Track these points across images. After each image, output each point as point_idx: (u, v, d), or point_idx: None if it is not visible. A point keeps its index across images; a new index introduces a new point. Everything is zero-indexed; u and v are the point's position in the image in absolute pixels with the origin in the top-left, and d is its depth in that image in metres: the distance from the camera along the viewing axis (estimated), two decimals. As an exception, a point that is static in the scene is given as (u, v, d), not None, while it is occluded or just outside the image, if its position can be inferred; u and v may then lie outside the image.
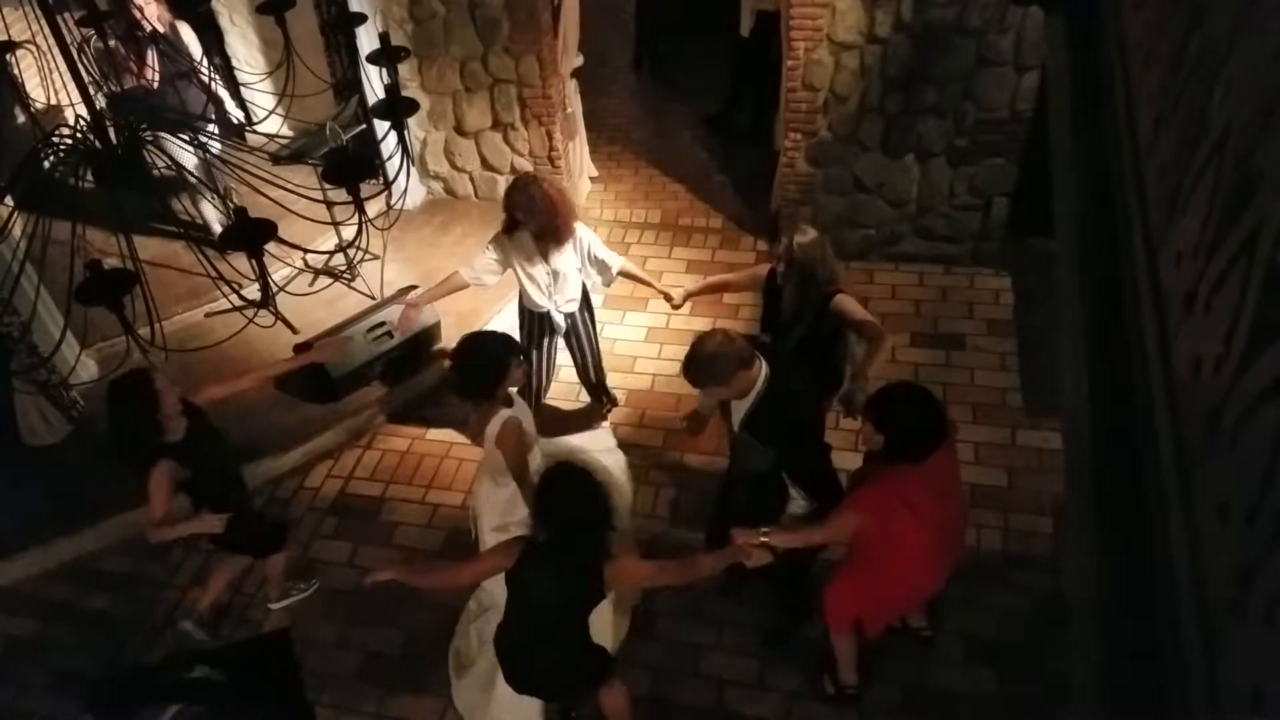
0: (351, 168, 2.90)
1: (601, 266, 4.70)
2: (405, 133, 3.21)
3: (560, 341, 4.99)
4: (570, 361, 5.20)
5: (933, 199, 5.99)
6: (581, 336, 5.02)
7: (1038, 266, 5.84)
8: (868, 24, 5.40)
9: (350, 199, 2.88)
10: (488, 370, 3.69)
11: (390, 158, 5.08)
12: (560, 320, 4.82)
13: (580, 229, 4.60)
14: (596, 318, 5.17)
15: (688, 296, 4.66)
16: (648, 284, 4.78)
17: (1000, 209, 5.94)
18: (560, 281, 4.63)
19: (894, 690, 4.05)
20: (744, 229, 6.71)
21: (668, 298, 4.64)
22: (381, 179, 5.71)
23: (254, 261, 2.62)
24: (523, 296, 4.76)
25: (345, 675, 4.27)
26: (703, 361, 3.44)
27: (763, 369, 3.49)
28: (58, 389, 5.15)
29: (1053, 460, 4.91)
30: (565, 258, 4.58)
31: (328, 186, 3.40)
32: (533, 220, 4.40)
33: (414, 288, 5.51)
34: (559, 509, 3.09)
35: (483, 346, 3.78)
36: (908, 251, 6.27)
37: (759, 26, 6.56)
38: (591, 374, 5.22)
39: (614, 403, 5.47)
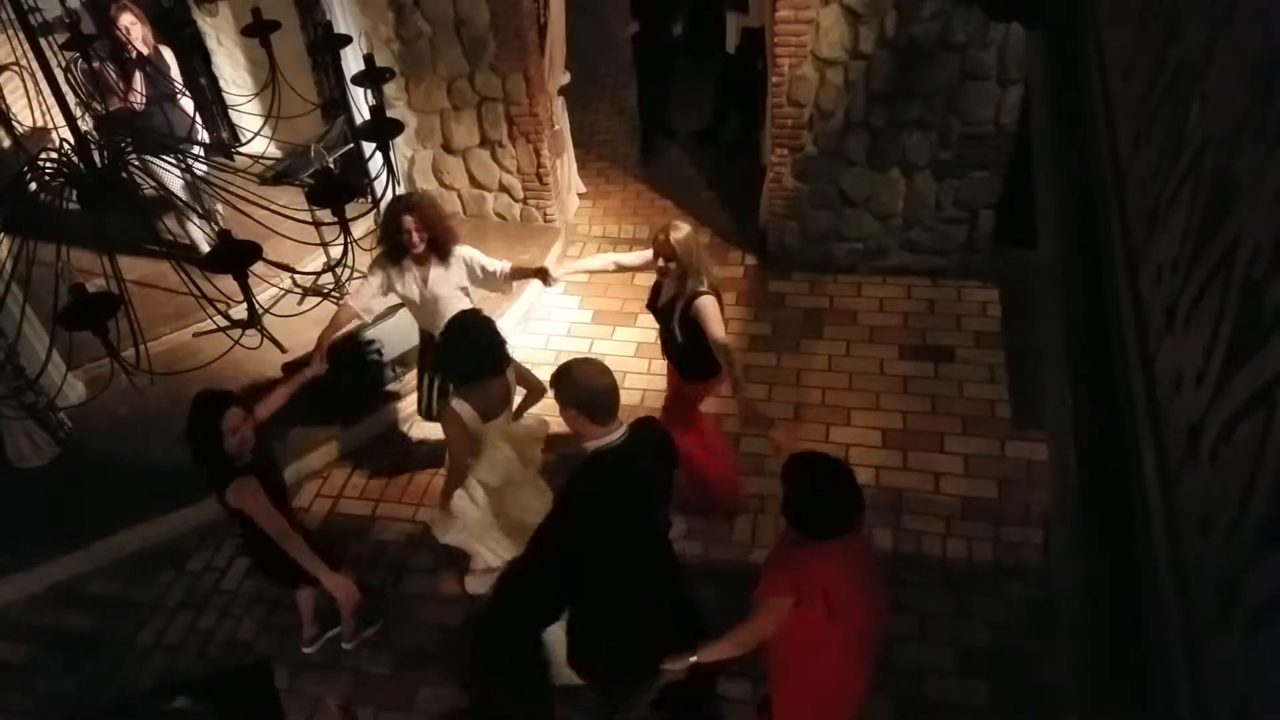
0: (337, 189, 2.91)
1: (491, 278, 4.53)
2: (391, 153, 3.21)
3: None
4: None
5: (919, 212, 6.02)
6: None
7: (1024, 278, 5.88)
8: (851, 40, 5.43)
9: (336, 220, 2.89)
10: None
11: (377, 177, 5.08)
12: None
13: (461, 249, 4.45)
14: (585, 333, 5.16)
15: (566, 274, 4.80)
16: (529, 273, 4.62)
17: (986, 221, 5.97)
18: (441, 305, 4.39)
19: (887, 701, 4.04)
20: (732, 243, 6.73)
21: (541, 276, 4.48)
22: (369, 198, 5.72)
23: (239, 283, 2.62)
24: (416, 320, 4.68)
25: (337, 697, 4.28)
26: (560, 375, 3.07)
27: (610, 440, 3.01)
28: (45, 411, 5.10)
29: (1042, 472, 4.92)
30: (445, 279, 4.42)
31: (314, 207, 3.40)
32: (412, 242, 4.26)
33: (401, 306, 5.50)
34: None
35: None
36: (895, 264, 6.29)
37: (745, 43, 6.60)
38: None
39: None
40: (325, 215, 3.48)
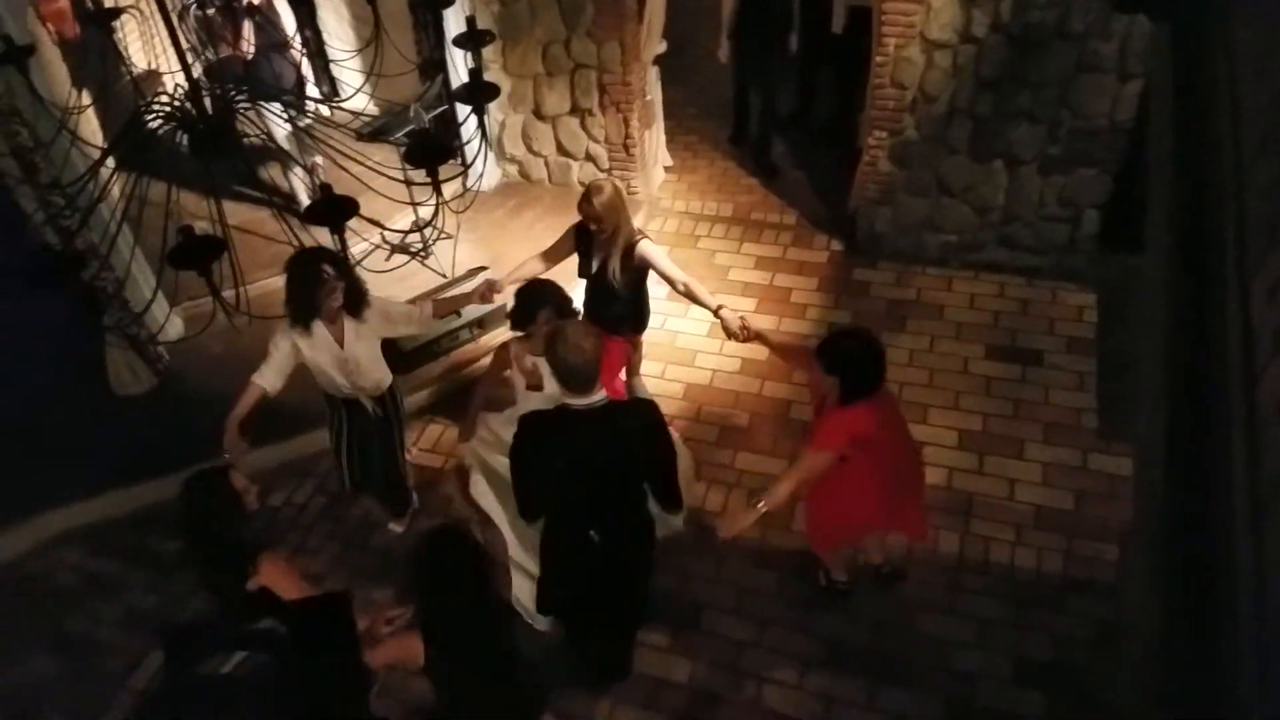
0: (432, 150, 2.94)
1: (409, 323, 4.32)
2: (485, 117, 3.23)
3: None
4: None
5: (1020, 207, 5.84)
6: (391, 424, 4.47)
7: (1125, 285, 5.67)
8: (964, 22, 5.26)
9: (429, 180, 2.92)
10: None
11: (469, 141, 5.11)
12: (370, 407, 4.34)
13: (376, 301, 4.08)
14: (658, 309, 5.13)
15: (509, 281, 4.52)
16: (464, 300, 4.58)
17: (1090, 222, 5.76)
18: (362, 365, 4.15)
19: (938, 703, 3.99)
20: (818, 227, 6.62)
21: (486, 291, 4.47)
22: (460, 160, 5.78)
23: (336, 236, 2.67)
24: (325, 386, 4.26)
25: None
26: (552, 339, 3.26)
27: (585, 401, 3.20)
28: (146, 344, 5.33)
29: (1124, 487, 4.75)
30: (362, 336, 4.08)
31: (408, 166, 3.42)
32: (327, 301, 3.88)
33: (484, 268, 5.57)
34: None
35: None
36: (989, 260, 6.12)
37: (851, 23, 6.44)
38: (390, 472, 4.66)
39: (411, 508, 4.95)
40: (417, 175, 3.53)
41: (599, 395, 3.22)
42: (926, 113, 5.64)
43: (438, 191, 2.91)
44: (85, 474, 5.19)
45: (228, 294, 2.83)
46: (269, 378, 3.97)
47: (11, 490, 5.09)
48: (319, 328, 3.97)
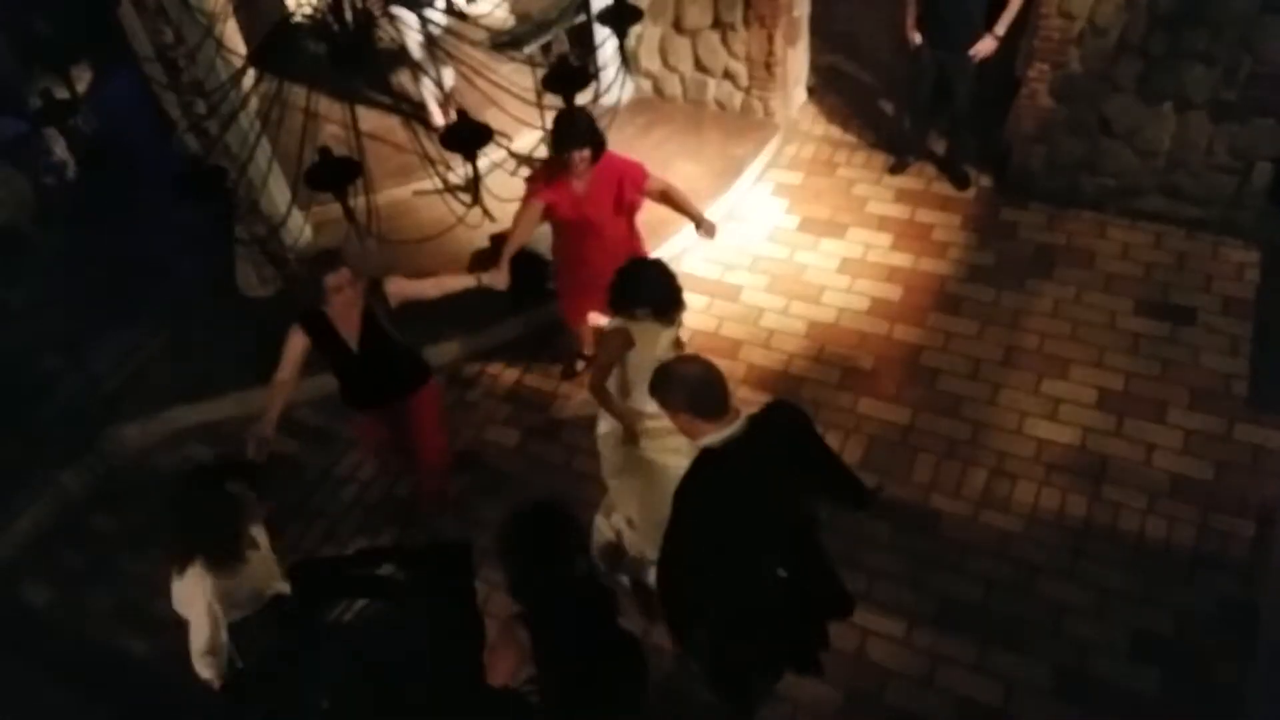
0: (570, 75, 3.09)
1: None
2: (625, 41, 3.36)
3: None
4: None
5: (1186, 154, 5.64)
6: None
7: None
8: (1143, -50, 5.07)
9: (565, 106, 3.10)
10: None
11: (604, 68, 5.23)
12: None
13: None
14: (786, 240, 5.19)
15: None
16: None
17: (1262, 175, 5.53)
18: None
19: (1047, 671, 4.09)
20: (966, 160, 6.51)
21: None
22: (592, 71, 5.92)
23: (469, 163, 2.88)
24: None
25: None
26: (663, 377, 3.09)
27: (724, 435, 2.97)
28: (275, 248, 5.74)
29: (1270, 461, 4.69)
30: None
31: (547, 91, 3.58)
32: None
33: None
34: None
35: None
36: (1148, 208, 5.95)
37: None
38: None
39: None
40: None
41: (739, 419, 2.99)
42: (1094, 46, 5.47)
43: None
44: (213, 372, 5.65)
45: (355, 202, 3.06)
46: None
47: (146, 385, 5.60)
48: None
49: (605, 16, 3.28)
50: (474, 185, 3.07)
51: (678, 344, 4.33)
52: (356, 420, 4.76)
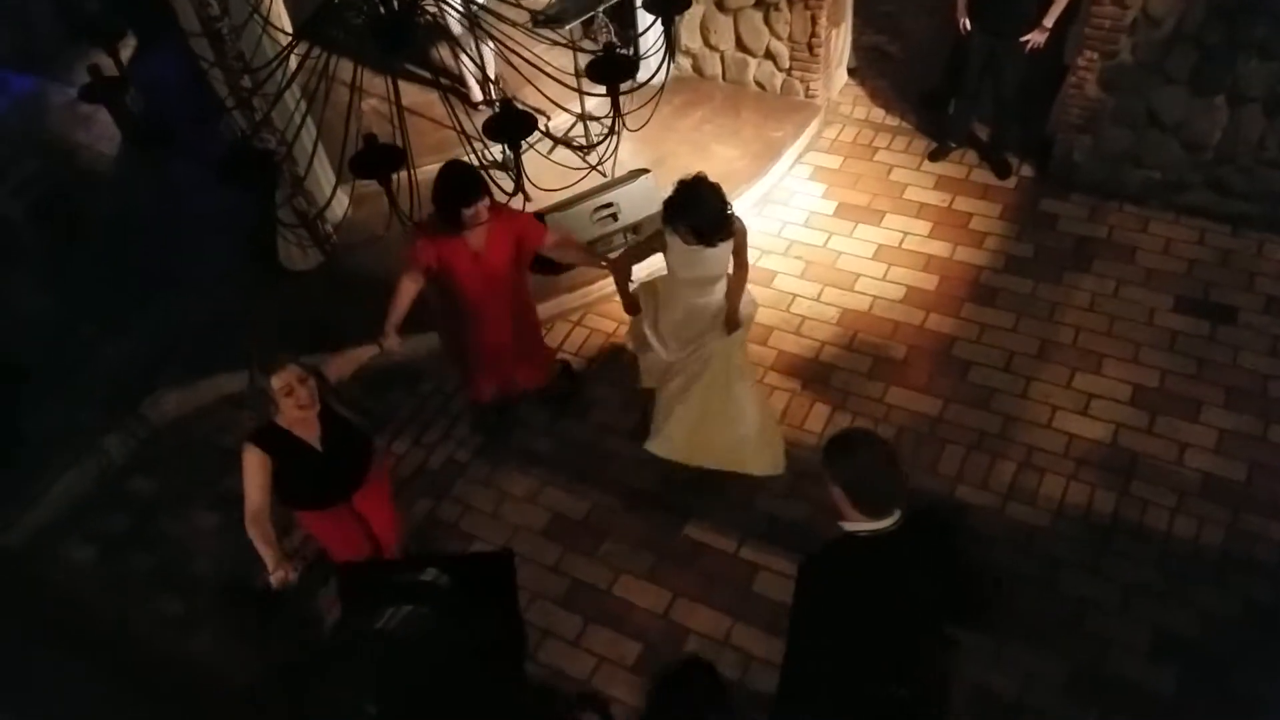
0: (614, 65, 3.15)
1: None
2: (673, 25, 3.40)
3: None
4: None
5: (1236, 149, 5.62)
6: None
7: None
8: (1202, -62, 5.04)
9: (607, 94, 3.16)
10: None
11: (648, 54, 5.22)
12: None
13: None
14: (823, 225, 5.22)
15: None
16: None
17: (1315, 172, 5.51)
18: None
19: (1064, 667, 4.15)
20: (1008, 150, 6.52)
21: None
22: (633, 52, 5.96)
23: (513, 153, 2.97)
24: None
25: (533, 529, 4.89)
26: (841, 448, 2.89)
27: (881, 525, 2.79)
28: (315, 222, 5.88)
29: (1306, 466, 4.72)
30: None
31: (592, 81, 3.62)
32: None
33: (646, 171, 5.83)
34: None
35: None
36: (1193, 203, 5.94)
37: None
38: None
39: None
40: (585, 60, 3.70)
41: (894, 518, 2.79)
42: (1147, 36, 5.45)
43: (616, 110, 3.14)
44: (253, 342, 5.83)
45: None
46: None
47: (187, 353, 5.79)
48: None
49: (651, 3, 3.31)
50: (516, 172, 3.17)
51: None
52: (318, 522, 4.17)
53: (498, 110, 3.03)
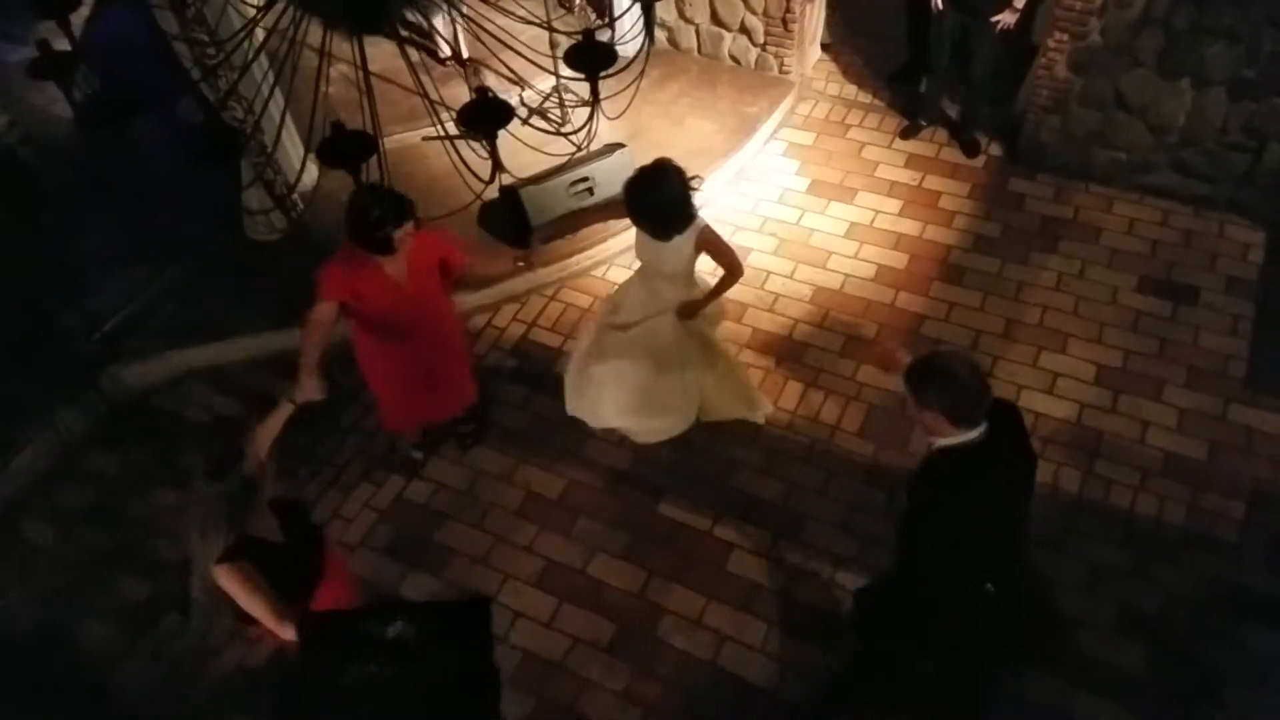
0: (593, 55, 3.02)
1: None
2: (652, 16, 3.29)
3: None
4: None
5: (1200, 131, 5.65)
6: None
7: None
8: (1173, -78, 5.01)
9: (586, 78, 3.04)
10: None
11: (626, 37, 4.98)
12: None
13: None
14: (797, 202, 5.31)
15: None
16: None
17: (1274, 155, 5.55)
18: None
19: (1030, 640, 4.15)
20: (978, 128, 6.49)
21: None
22: (608, 19, 5.79)
23: (488, 144, 2.83)
24: None
25: (507, 507, 4.82)
26: (936, 373, 2.92)
27: (969, 438, 2.91)
28: (283, 193, 5.69)
29: (1264, 444, 4.79)
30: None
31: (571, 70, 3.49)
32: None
33: (622, 145, 5.71)
34: None
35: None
36: (1157, 184, 5.97)
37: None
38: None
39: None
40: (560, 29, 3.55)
41: (985, 423, 2.90)
42: (1116, 18, 5.43)
43: (596, 101, 3.03)
44: (218, 315, 5.65)
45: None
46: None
47: (149, 325, 5.60)
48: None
49: None
50: (493, 160, 3.03)
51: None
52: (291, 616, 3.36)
53: (472, 92, 2.90)
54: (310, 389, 3.67)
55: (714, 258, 4.26)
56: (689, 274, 4.43)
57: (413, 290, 3.99)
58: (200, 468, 3.14)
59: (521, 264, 4.34)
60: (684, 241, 4.17)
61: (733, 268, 4.28)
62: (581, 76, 3.01)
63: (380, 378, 4.44)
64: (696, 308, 4.43)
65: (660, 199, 4.03)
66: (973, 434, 2.89)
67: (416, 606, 3.04)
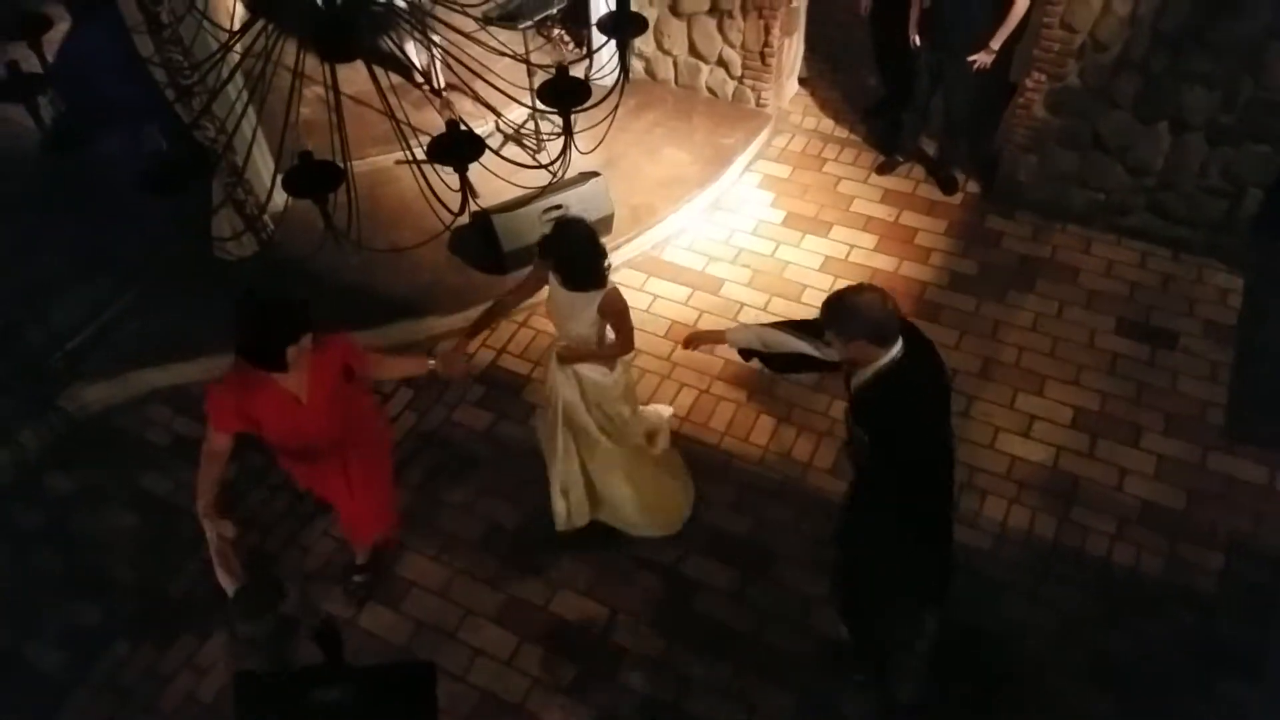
0: (570, 90, 2.90)
1: None
2: (628, 51, 3.19)
3: None
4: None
5: (1178, 175, 5.59)
6: None
7: (1278, 274, 5.42)
8: (1152, -32, 4.96)
9: (557, 111, 2.92)
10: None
11: (603, 73, 4.95)
12: None
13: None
14: (771, 234, 5.14)
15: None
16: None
17: (1253, 201, 5.50)
18: None
19: (999, 690, 4.05)
20: (955, 164, 6.41)
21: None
22: (585, 50, 5.70)
23: (460, 176, 2.69)
24: None
25: (469, 540, 4.64)
26: (848, 307, 3.12)
27: (893, 353, 3.14)
28: (254, 213, 5.55)
29: (1243, 493, 4.67)
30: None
31: (543, 105, 3.37)
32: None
33: (596, 174, 5.60)
34: None
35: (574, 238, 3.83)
36: (1135, 225, 5.91)
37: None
38: None
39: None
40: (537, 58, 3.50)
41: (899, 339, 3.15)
42: (1094, 61, 5.39)
43: (569, 137, 2.90)
44: (182, 333, 5.47)
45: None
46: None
47: (111, 342, 5.42)
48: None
49: (605, 24, 3.09)
50: (463, 193, 2.89)
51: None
52: None
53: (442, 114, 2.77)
54: (223, 527, 3.47)
55: (610, 322, 3.96)
56: (597, 340, 4.08)
57: (313, 409, 3.52)
58: (236, 607, 3.10)
59: (434, 365, 3.91)
60: (593, 299, 3.88)
61: (626, 341, 4.01)
62: (555, 110, 2.91)
63: (299, 475, 4.06)
64: (577, 354, 4.08)
65: (583, 248, 3.79)
66: (895, 349, 3.13)
67: (357, 671, 2.82)
